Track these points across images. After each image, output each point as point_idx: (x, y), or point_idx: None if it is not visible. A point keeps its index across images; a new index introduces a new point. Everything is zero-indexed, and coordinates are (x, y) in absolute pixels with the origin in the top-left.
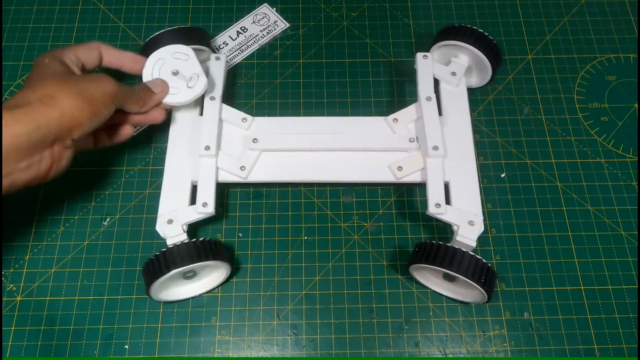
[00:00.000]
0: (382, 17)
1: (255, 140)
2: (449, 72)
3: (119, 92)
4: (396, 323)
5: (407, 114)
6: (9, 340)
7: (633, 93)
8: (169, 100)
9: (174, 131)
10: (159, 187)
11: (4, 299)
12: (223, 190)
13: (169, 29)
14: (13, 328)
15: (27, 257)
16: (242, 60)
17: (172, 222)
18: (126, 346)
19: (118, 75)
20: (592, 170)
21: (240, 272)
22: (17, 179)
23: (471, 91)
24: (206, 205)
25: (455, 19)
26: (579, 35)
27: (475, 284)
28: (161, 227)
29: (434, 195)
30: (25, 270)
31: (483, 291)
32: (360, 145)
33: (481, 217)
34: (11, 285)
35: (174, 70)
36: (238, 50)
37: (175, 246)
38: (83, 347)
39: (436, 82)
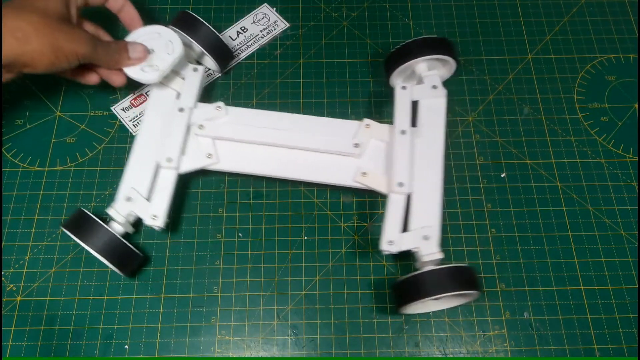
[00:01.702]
0: (382, 17)
1: (201, 127)
2: (429, 87)
3: (90, 54)
4: (396, 323)
5: (380, 131)
6: (9, 340)
7: (633, 93)
8: (126, 70)
9: (149, 110)
10: None
11: (4, 299)
12: (223, 192)
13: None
14: (13, 328)
15: (27, 257)
16: (242, 60)
17: (130, 200)
18: (126, 346)
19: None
20: (592, 170)
21: (240, 272)
22: None
23: (471, 91)
24: (155, 219)
25: (455, 19)
26: (579, 35)
27: (461, 290)
28: (119, 203)
29: (390, 232)
30: (25, 270)
31: (471, 291)
32: (302, 145)
33: (437, 227)
34: (11, 285)
35: (152, 49)
36: (238, 50)
37: (102, 227)
38: (83, 347)
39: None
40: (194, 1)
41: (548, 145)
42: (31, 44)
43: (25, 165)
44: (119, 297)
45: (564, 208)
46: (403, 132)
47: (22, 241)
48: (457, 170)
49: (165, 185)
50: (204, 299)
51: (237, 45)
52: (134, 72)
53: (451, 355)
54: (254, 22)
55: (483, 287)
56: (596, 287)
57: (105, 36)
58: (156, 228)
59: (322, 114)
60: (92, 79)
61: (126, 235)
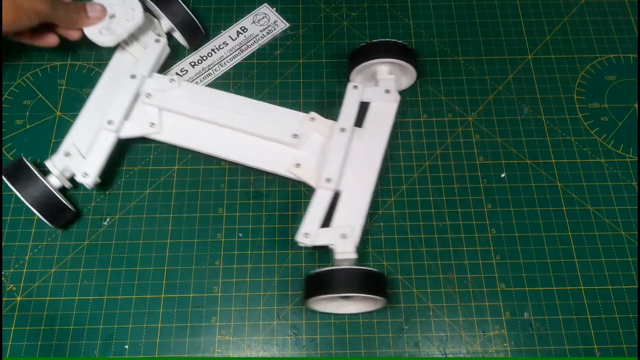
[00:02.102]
0: (382, 17)
1: (148, 95)
2: (382, 90)
3: (49, 13)
4: (396, 323)
5: (323, 125)
6: (9, 340)
7: (633, 93)
8: (85, 31)
9: (107, 72)
10: (159, 187)
11: (4, 299)
12: (223, 192)
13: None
14: (13, 328)
15: (27, 257)
16: (242, 60)
17: (69, 155)
18: (126, 346)
19: None
20: (592, 170)
21: (240, 272)
22: None
23: (471, 91)
24: (86, 176)
25: (455, 19)
26: (579, 35)
27: (364, 294)
28: (57, 157)
29: (309, 225)
30: (25, 270)
31: (376, 297)
32: (244, 127)
33: (357, 228)
34: (11, 285)
35: (113, 13)
36: (238, 50)
37: (37, 178)
38: (83, 347)
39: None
40: (194, 1)
41: (548, 145)
42: None
43: None
44: (119, 297)
45: (564, 208)
46: (343, 129)
47: (22, 241)
48: (457, 170)
49: (103, 146)
50: (204, 299)
51: (237, 45)
52: (91, 33)
53: (451, 355)
54: (254, 22)
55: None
56: (596, 287)
57: None
58: (87, 186)
59: (322, 114)
60: (51, 40)
61: (63, 189)
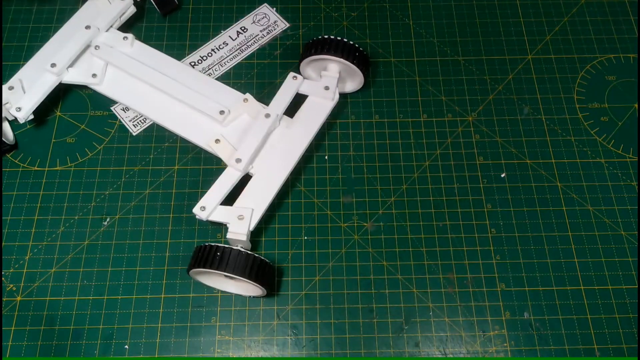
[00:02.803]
0: (382, 17)
1: (97, 47)
2: (322, 86)
3: None
4: (396, 323)
5: (253, 108)
6: (9, 340)
7: (633, 93)
8: None
9: (73, 18)
10: (159, 187)
11: (4, 299)
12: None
13: None
14: (13, 328)
15: (27, 257)
16: (242, 60)
17: (12, 89)
18: (126, 346)
19: None
20: (592, 170)
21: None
22: None
23: (471, 91)
24: (19, 110)
25: (455, 19)
26: (579, 35)
27: (245, 279)
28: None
29: (208, 199)
30: (25, 270)
31: (254, 284)
32: (177, 95)
33: (257, 213)
34: (11, 285)
35: None
36: (238, 50)
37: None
38: (83, 347)
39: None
40: (194, 1)
41: (548, 145)
42: None
43: (25, 165)
44: (119, 297)
45: (564, 208)
46: (267, 115)
47: (22, 241)
48: (457, 170)
49: (42, 87)
50: (204, 299)
51: (237, 45)
52: None
53: (451, 355)
54: (254, 22)
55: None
56: (596, 287)
57: None
58: (19, 120)
59: None
60: None
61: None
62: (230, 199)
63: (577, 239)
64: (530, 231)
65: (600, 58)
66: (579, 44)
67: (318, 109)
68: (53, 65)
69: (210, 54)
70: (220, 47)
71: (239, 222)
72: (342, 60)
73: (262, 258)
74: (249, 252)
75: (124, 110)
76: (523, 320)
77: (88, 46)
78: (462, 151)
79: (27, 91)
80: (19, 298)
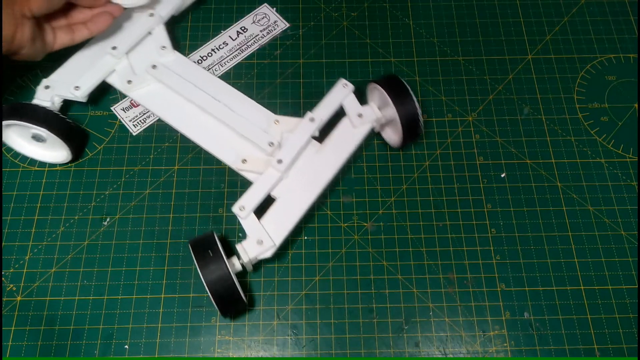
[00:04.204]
0: (382, 17)
1: (154, 66)
2: (358, 112)
3: None
4: (396, 323)
5: (289, 123)
6: (9, 340)
7: (633, 93)
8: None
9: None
10: (159, 187)
11: (4, 299)
12: (223, 192)
13: None
14: (13, 328)
15: (27, 257)
16: (242, 60)
17: (48, 88)
18: (126, 346)
19: None
20: (592, 170)
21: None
22: None
23: (471, 91)
24: (77, 89)
25: (455, 19)
26: (579, 35)
27: (212, 297)
28: (39, 90)
29: (247, 199)
30: (25, 270)
31: (214, 304)
32: (222, 117)
33: (272, 248)
34: (11, 285)
35: None
36: (238, 50)
37: (32, 104)
38: (83, 347)
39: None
40: (194, 1)
41: (548, 145)
42: None
43: (25, 165)
44: (119, 297)
45: (564, 208)
46: (312, 119)
47: (22, 241)
48: (457, 170)
49: (101, 67)
50: (204, 299)
51: (237, 45)
52: None
53: (451, 355)
54: (254, 22)
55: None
56: (596, 287)
57: None
58: (76, 99)
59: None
60: (82, 33)
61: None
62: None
63: (577, 239)
64: (530, 231)
65: (600, 58)
66: (579, 44)
67: (349, 137)
68: (114, 48)
69: (210, 54)
70: (220, 47)
71: (255, 245)
72: (398, 118)
73: (237, 292)
74: (232, 280)
75: (124, 110)
76: (523, 320)
77: (149, 33)
78: (462, 151)
79: (86, 72)
80: (19, 298)
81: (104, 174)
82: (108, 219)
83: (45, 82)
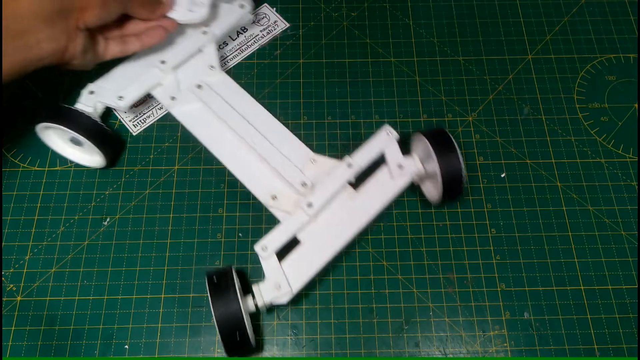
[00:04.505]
0: (382, 17)
1: (199, 86)
2: (399, 162)
3: None
4: (396, 323)
5: (325, 163)
6: (9, 340)
7: (633, 93)
8: (175, 16)
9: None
10: (159, 187)
11: (4, 299)
12: (223, 192)
13: None
14: (13, 328)
15: (27, 257)
16: (242, 60)
17: (93, 94)
18: (126, 346)
19: None
20: (592, 170)
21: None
22: (44, 49)
23: (471, 91)
24: (121, 99)
25: (455, 19)
26: (579, 35)
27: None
28: (84, 95)
29: (271, 239)
30: (25, 270)
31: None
32: (263, 153)
33: (288, 294)
34: (11, 285)
35: None
36: (238, 50)
37: (76, 109)
38: (83, 347)
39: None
40: None
41: (548, 145)
42: None
43: (25, 165)
44: (119, 297)
45: (564, 208)
46: (350, 165)
47: (22, 241)
48: None
49: (147, 80)
50: (204, 299)
51: (237, 45)
52: (181, 15)
53: (451, 355)
54: (254, 22)
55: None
56: (596, 287)
57: None
58: (119, 109)
59: (322, 115)
60: (133, 46)
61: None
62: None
63: (577, 239)
64: (530, 231)
65: (600, 58)
66: (579, 44)
67: (386, 188)
68: (163, 62)
69: None
70: (221, 47)
71: (272, 289)
72: (439, 174)
73: (249, 341)
74: (244, 327)
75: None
76: (523, 320)
77: (199, 50)
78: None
79: (132, 83)
80: (19, 298)
81: (104, 174)
82: (108, 219)
83: (90, 87)
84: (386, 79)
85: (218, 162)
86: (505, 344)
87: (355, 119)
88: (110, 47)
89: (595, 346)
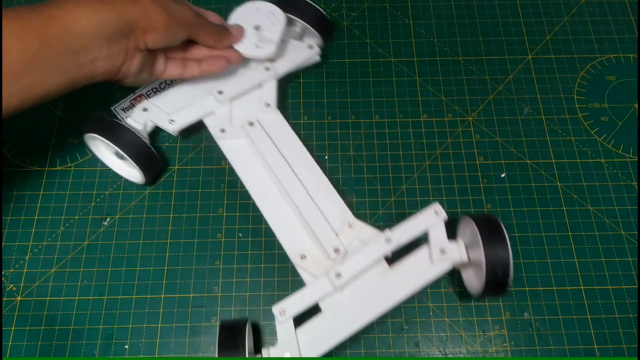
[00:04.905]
0: (382, 17)
1: (251, 123)
2: (442, 246)
3: (195, 20)
4: (396, 323)
5: (363, 231)
6: (9, 340)
7: (633, 93)
8: (241, 50)
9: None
10: (159, 187)
11: (4, 299)
12: (223, 192)
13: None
14: (13, 328)
15: (27, 257)
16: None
17: (145, 111)
18: (126, 346)
19: None
20: (592, 170)
21: (240, 272)
22: (98, 67)
23: (471, 91)
24: (172, 122)
25: (455, 19)
26: (579, 35)
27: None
28: (136, 111)
29: (291, 304)
30: (25, 270)
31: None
32: (302, 208)
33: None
34: (11, 285)
35: (257, 24)
36: None
37: (124, 125)
38: (83, 347)
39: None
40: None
41: (548, 145)
42: (145, 4)
43: (25, 165)
44: (119, 297)
45: (564, 208)
46: (389, 240)
47: (22, 241)
48: (457, 170)
49: (201, 107)
50: (204, 299)
51: None
52: (248, 49)
53: (451, 355)
54: None
55: None
56: (596, 287)
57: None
58: (169, 131)
59: (322, 115)
60: (192, 70)
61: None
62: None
63: (577, 239)
64: (530, 231)
65: (600, 58)
66: (579, 44)
67: (423, 271)
68: (220, 92)
69: None
70: None
71: (281, 352)
72: (484, 266)
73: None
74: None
75: (123, 110)
76: (523, 320)
77: (259, 85)
78: (462, 151)
79: (186, 107)
80: (19, 298)
81: (104, 174)
82: (108, 219)
83: (144, 104)
84: (386, 79)
85: (218, 162)
86: (505, 344)
87: (356, 119)
88: (169, 68)
89: (595, 346)
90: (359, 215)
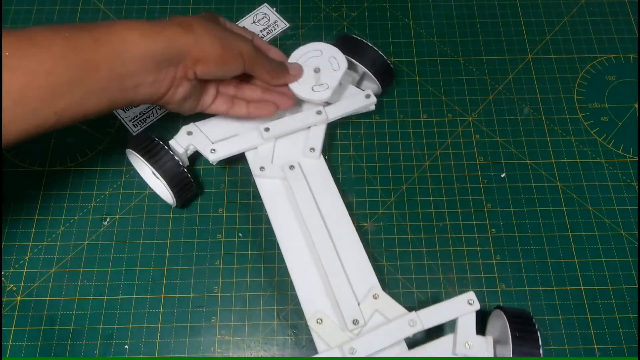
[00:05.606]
0: (382, 17)
1: (292, 167)
2: (468, 340)
3: (253, 55)
4: None
5: (388, 306)
6: (9, 340)
7: (633, 93)
8: (297, 92)
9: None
10: None
11: (4, 299)
12: (223, 192)
13: (373, 47)
14: (13, 328)
15: (27, 257)
16: None
17: (190, 135)
18: (126, 346)
19: None
20: (592, 170)
21: (240, 272)
22: (141, 92)
23: (471, 91)
24: (214, 152)
25: (455, 19)
26: (579, 35)
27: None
28: (181, 134)
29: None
30: (25, 270)
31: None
32: (327, 269)
33: None
34: (11, 285)
35: (317, 67)
36: None
37: (164, 146)
38: (83, 347)
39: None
40: (194, 1)
41: (548, 145)
42: (199, 34)
43: (25, 165)
44: (119, 297)
45: (564, 208)
46: (412, 323)
47: (22, 241)
48: (457, 170)
49: (245, 141)
50: (204, 299)
51: None
52: (304, 92)
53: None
54: (254, 22)
55: (481, 287)
56: (596, 287)
57: None
58: (210, 160)
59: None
60: (241, 110)
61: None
62: None
63: (577, 239)
64: (530, 231)
65: (600, 58)
66: (579, 44)
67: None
68: (267, 129)
69: None
70: None
71: None
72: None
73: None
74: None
75: (123, 110)
76: None
77: (307, 128)
78: (462, 151)
79: (229, 138)
80: (19, 298)
81: (104, 174)
82: (108, 219)
83: (189, 127)
84: None
85: (218, 162)
86: None
87: (356, 119)
88: (217, 103)
89: (595, 346)
90: (359, 215)
